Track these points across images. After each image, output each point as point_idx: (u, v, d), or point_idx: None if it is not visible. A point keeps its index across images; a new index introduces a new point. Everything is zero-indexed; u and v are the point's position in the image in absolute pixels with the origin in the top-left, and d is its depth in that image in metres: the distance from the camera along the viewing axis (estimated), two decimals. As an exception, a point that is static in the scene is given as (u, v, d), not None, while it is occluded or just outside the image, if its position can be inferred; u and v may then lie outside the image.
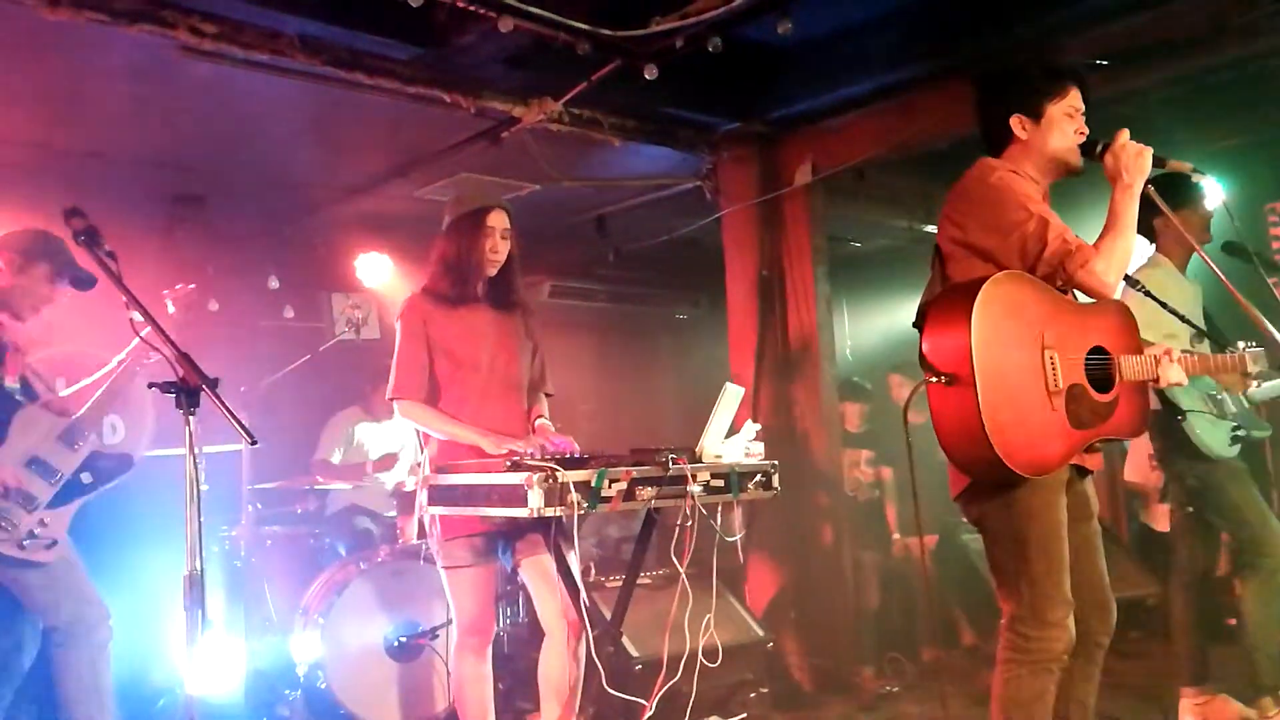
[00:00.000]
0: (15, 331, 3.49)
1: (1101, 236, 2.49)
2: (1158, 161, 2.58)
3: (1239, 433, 3.72)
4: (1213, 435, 3.70)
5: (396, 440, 5.69)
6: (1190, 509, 3.88)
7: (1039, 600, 2.48)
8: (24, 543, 3.30)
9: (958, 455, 2.52)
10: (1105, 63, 2.71)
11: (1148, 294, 3.19)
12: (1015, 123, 2.62)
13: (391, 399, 3.23)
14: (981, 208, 2.56)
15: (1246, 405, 3.83)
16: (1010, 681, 2.50)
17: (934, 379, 2.46)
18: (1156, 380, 2.68)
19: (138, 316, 2.44)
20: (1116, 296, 2.60)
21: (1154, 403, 3.44)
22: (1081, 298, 2.63)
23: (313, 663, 4.24)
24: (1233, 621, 3.81)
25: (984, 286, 2.41)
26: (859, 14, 4.45)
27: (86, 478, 3.49)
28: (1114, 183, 2.53)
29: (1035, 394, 2.46)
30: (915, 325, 2.64)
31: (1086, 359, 2.57)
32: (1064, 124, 2.60)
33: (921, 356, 2.55)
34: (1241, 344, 3.02)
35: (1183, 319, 3.13)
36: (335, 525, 5.39)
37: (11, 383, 3.45)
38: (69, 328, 3.99)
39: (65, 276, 3.49)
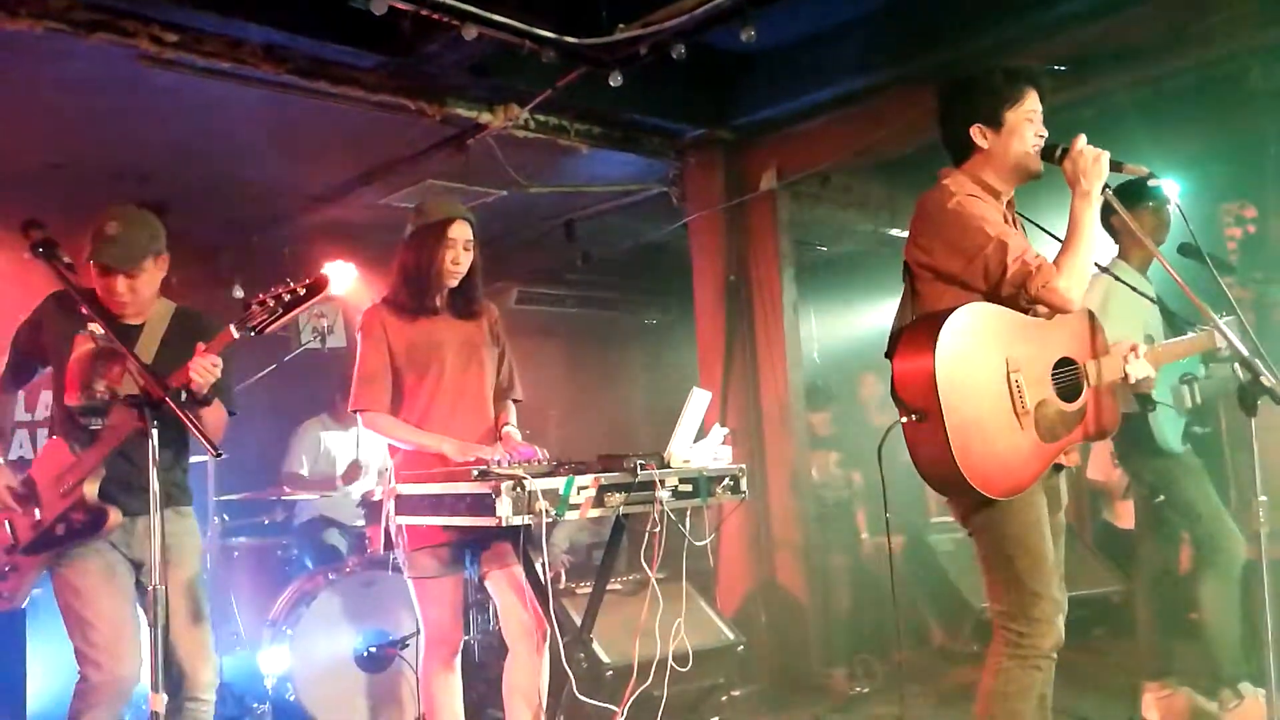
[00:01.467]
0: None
1: (1062, 251, 2.52)
2: (1115, 166, 2.62)
3: (1192, 429, 3.78)
4: (1171, 429, 3.76)
5: (363, 448, 5.66)
6: (1154, 504, 3.94)
7: (1025, 597, 2.52)
8: None
9: (936, 485, 2.58)
10: (1065, 69, 2.75)
11: (1117, 278, 3.23)
12: (976, 132, 2.64)
13: (354, 410, 3.20)
14: (943, 232, 2.60)
15: (1199, 400, 3.88)
16: (998, 675, 2.55)
17: (906, 418, 2.52)
18: (1126, 378, 2.71)
19: (98, 330, 2.40)
20: (1080, 306, 2.62)
21: (1126, 405, 3.49)
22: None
23: (281, 675, 4.21)
24: (1194, 616, 3.86)
25: (944, 325, 2.45)
26: (822, 22, 4.51)
27: (60, 529, 2.94)
28: (1073, 188, 2.57)
29: (1004, 420, 2.50)
30: (887, 355, 2.68)
31: (1053, 373, 2.60)
32: (1023, 129, 2.63)
33: (893, 391, 2.59)
34: (1199, 327, 3.08)
35: (1153, 300, 3.15)
36: (303, 536, 5.35)
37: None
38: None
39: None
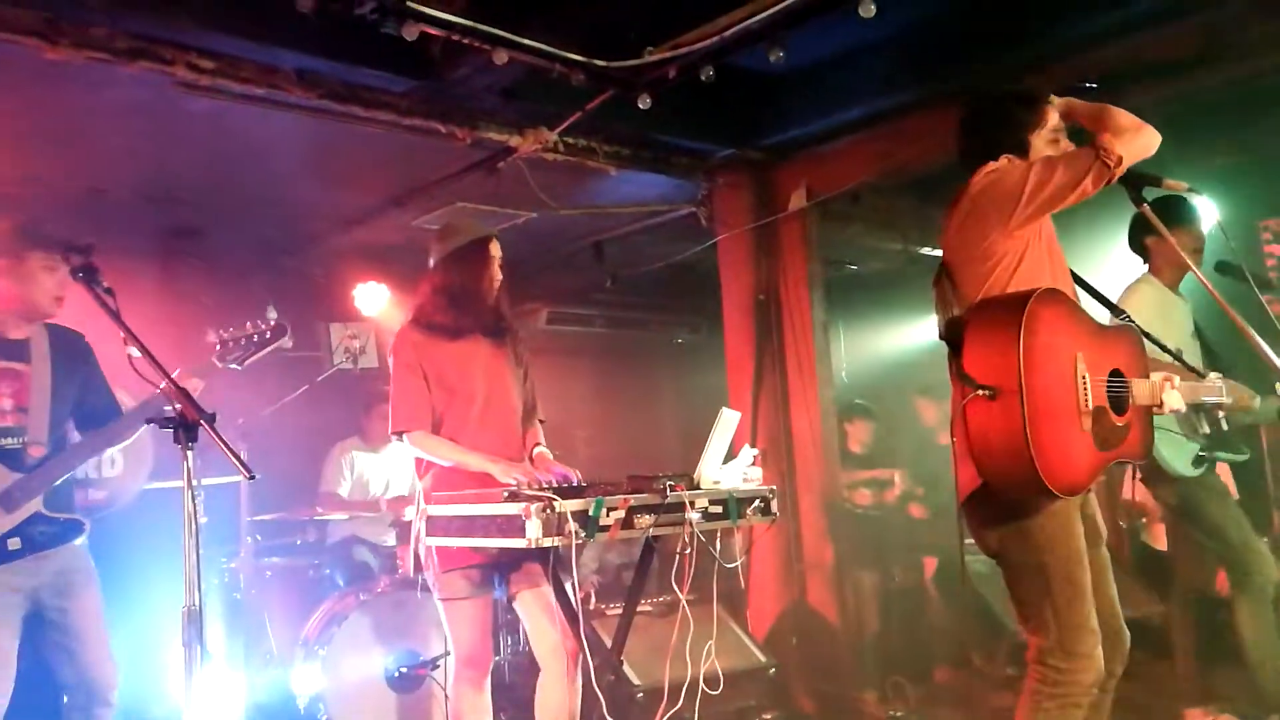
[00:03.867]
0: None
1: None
2: (1154, 180, 2.60)
3: (1204, 454, 3.72)
4: (1176, 455, 3.72)
5: (399, 469, 5.70)
6: (1182, 526, 3.88)
7: (1066, 631, 2.44)
8: None
9: (994, 471, 2.45)
10: (1095, 85, 2.72)
11: (1130, 321, 3.20)
12: (1006, 161, 2.61)
13: (397, 432, 3.21)
14: (987, 193, 2.56)
15: (1225, 427, 3.82)
16: (1037, 714, 2.46)
17: (978, 392, 2.42)
18: (1160, 406, 2.68)
19: (135, 352, 2.44)
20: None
21: None
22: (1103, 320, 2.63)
23: (313, 695, 4.22)
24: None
25: (1029, 303, 2.39)
26: (850, 41, 4.50)
27: (14, 544, 2.97)
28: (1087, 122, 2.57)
29: (1070, 413, 2.45)
30: (943, 338, 2.62)
31: (1108, 381, 2.57)
32: (1050, 151, 2.61)
33: (961, 370, 2.50)
34: (1213, 375, 3.02)
35: (1165, 349, 3.12)
36: (335, 556, 5.37)
37: (22, 420, 3.08)
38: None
39: (56, 254, 3.04)
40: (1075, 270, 2.78)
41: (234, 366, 3.17)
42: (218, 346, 3.19)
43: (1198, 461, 3.72)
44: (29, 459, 3.09)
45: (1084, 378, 2.47)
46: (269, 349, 3.17)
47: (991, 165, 2.62)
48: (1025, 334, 2.37)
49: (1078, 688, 2.43)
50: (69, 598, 3.14)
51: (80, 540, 3.17)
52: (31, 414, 3.11)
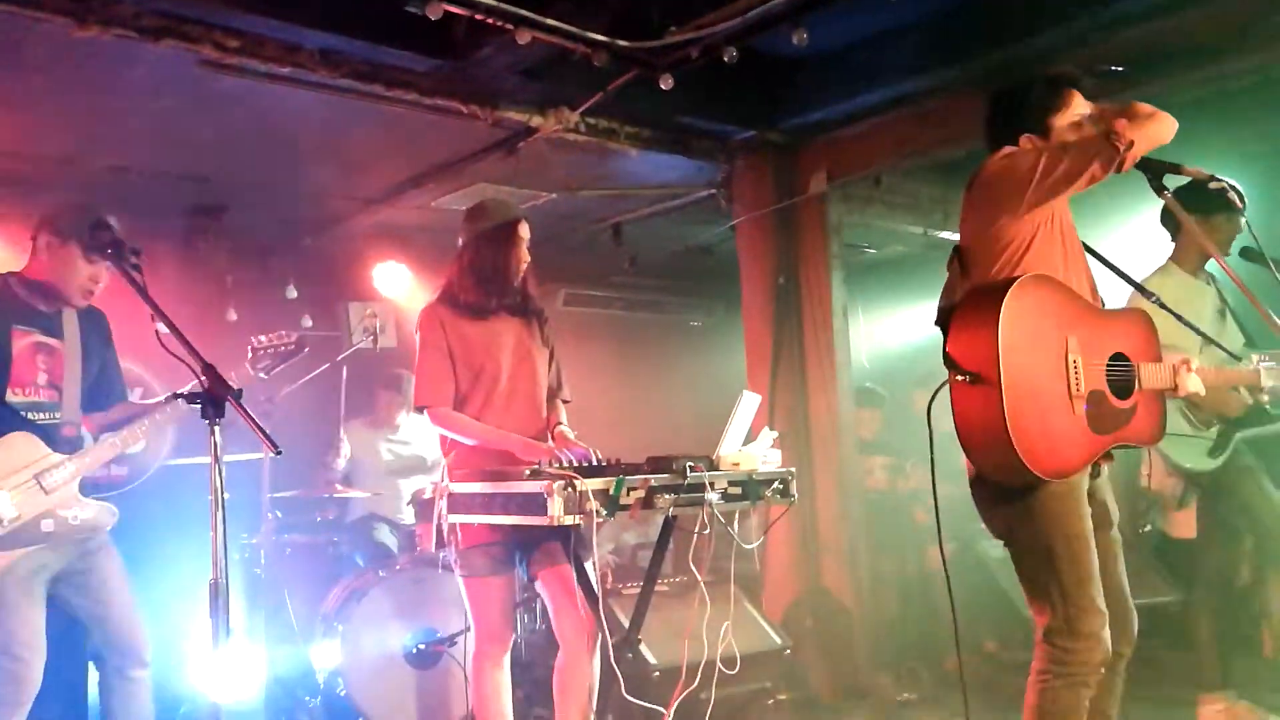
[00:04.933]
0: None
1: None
2: (1175, 168, 2.58)
3: (1221, 442, 3.70)
4: (1186, 454, 3.71)
5: (413, 448, 5.73)
6: (1217, 512, 3.87)
7: (1072, 612, 2.46)
8: None
9: (980, 457, 2.52)
10: (1123, 70, 2.70)
11: (1161, 305, 3.19)
12: (1025, 141, 2.62)
13: (421, 406, 3.23)
14: (996, 178, 2.56)
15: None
16: (1045, 694, 2.48)
17: (959, 377, 2.45)
18: (1175, 390, 2.68)
19: (163, 328, 2.46)
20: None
21: None
22: (1106, 303, 2.63)
23: (332, 670, 4.27)
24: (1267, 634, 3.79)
25: (1011, 288, 2.42)
26: (874, 24, 4.47)
27: (47, 525, 3.03)
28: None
29: (1058, 398, 2.46)
30: (937, 324, 2.64)
31: (1108, 365, 2.57)
32: (1072, 135, 2.60)
33: (946, 355, 2.53)
34: (1255, 356, 3.00)
35: (1198, 332, 3.11)
36: (354, 533, 5.42)
37: (45, 396, 3.11)
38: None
39: (94, 253, 3.05)
40: (1098, 250, 2.76)
41: (261, 376, 3.40)
42: (250, 355, 3.39)
43: (1214, 452, 3.71)
44: (62, 438, 3.13)
45: (1075, 361, 2.48)
46: (291, 361, 3.46)
47: (1008, 149, 2.61)
48: (1006, 319, 2.39)
49: (1085, 668, 2.46)
50: (88, 563, 3.18)
51: (111, 524, 3.22)
52: (65, 392, 3.14)
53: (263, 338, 3.39)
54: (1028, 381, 2.42)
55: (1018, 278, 2.45)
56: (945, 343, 2.55)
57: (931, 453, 2.64)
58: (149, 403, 3.30)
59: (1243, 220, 3.60)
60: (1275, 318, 2.64)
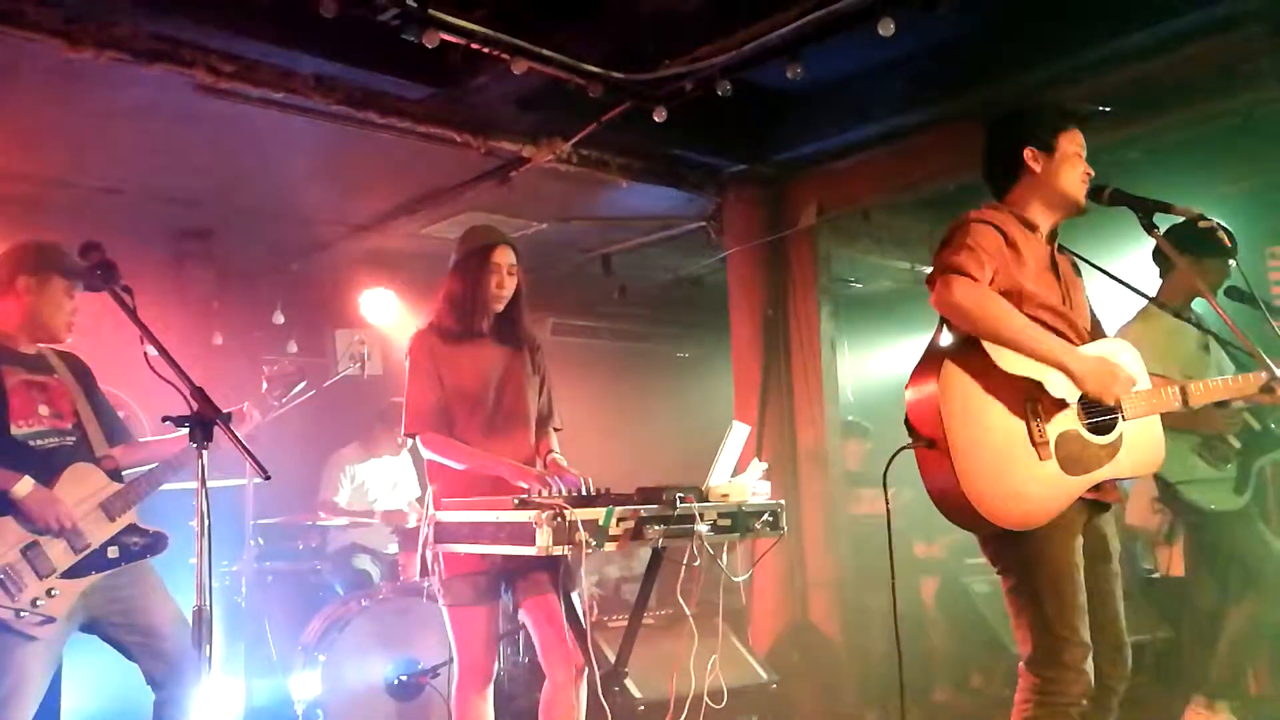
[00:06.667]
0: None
1: (1006, 316, 2.47)
2: (1165, 207, 2.61)
3: (1244, 471, 3.71)
4: (1211, 495, 3.70)
5: (399, 479, 5.69)
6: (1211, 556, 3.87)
7: (1054, 643, 2.46)
8: (21, 612, 2.86)
9: (948, 514, 2.54)
10: (1111, 110, 2.75)
11: (1177, 314, 3.19)
12: (1029, 154, 2.63)
13: (410, 434, 3.21)
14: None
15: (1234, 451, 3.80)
16: None
17: (917, 443, 2.51)
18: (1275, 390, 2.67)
19: (152, 351, 2.43)
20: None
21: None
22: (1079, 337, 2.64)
23: (311, 701, 4.20)
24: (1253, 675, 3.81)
25: (949, 353, 2.46)
26: (866, 60, 4.52)
27: (113, 552, 3.08)
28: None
29: (1018, 450, 2.47)
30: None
31: (1083, 402, 2.55)
32: (1073, 160, 2.63)
33: (905, 419, 2.60)
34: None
35: (1209, 332, 3.12)
36: (335, 564, 5.36)
37: (66, 424, 3.11)
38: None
39: (78, 281, 3.05)
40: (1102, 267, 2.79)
41: (277, 403, 3.51)
42: (265, 384, 3.50)
43: (1239, 488, 3.72)
44: (105, 470, 3.15)
45: (1037, 410, 2.49)
46: (297, 390, 3.57)
47: (984, 214, 2.62)
48: (946, 383, 2.45)
49: (1064, 698, 2.46)
50: (124, 598, 3.13)
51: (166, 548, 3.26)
52: (86, 426, 3.15)
53: (274, 367, 3.50)
54: (979, 438, 2.45)
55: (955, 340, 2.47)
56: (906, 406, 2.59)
57: (889, 521, 2.68)
58: (164, 439, 3.27)
59: (1232, 262, 3.63)
60: (1265, 356, 2.65)
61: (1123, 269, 2.94)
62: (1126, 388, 2.55)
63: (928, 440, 2.48)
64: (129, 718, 3.42)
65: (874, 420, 6.51)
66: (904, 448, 2.55)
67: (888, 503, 2.69)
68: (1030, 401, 2.49)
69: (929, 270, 2.65)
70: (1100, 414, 2.57)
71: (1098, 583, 2.58)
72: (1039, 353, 2.49)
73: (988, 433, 2.47)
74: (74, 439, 3.12)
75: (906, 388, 2.60)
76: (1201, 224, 2.71)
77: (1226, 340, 3.33)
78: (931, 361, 2.52)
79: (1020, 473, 2.47)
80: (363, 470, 5.64)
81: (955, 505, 2.46)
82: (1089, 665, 2.47)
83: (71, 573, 2.99)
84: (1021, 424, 2.49)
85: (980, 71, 4.25)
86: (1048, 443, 2.49)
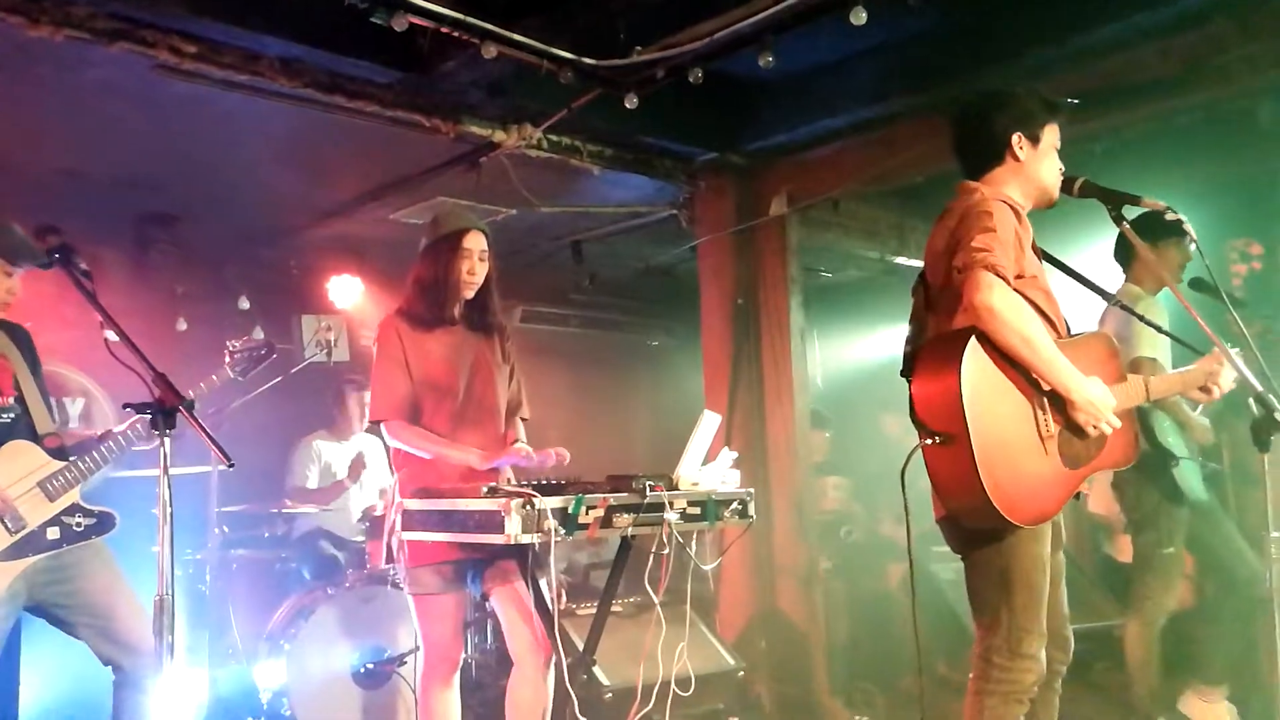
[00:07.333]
0: None
1: (1025, 328, 2.42)
2: (1134, 199, 2.64)
3: (1208, 467, 3.79)
4: (1192, 481, 3.77)
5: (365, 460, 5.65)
6: (1161, 552, 3.92)
7: (1016, 632, 2.49)
8: None
9: (958, 511, 2.48)
10: (1078, 102, 2.76)
11: (1143, 319, 3.23)
12: (1017, 140, 2.62)
13: (375, 421, 3.19)
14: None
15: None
16: (983, 712, 2.52)
17: (928, 440, 2.42)
18: (1210, 390, 2.73)
19: (113, 336, 2.40)
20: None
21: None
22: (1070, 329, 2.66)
23: (277, 690, 4.17)
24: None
25: (969, 342, 2.38)
26: (838, 50, 4.53)
27: (53, 533, 3.01)
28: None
29: (1029, 443, 2.45)
30: (903, 375, 2.63)
31: None
32: (1052, 154, 2.66)
33: (913, 415, 2.51)
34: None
35: (1173, 338, 3.17)
36: (301, 549, 5.31)
37: (6, 399, 3.03)
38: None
39: (21, 260, 3.01)
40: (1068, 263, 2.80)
41: (239, 379, 3.48)
42: (228, 358, 3.46)
43: (1207, 484, 3.80)
44: (48, 448, 3.07)
45: (1042, 402, 2.47)
46: (264, 364, 3.54)
47: (986, 194, 2.58)
48: (968, 374, 2.35)
49: (1018, 686, 2.50)
50: (68, 579, 3.07)
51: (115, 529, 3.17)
52: (30, 404, 3.06)
53: (235, 342, 3.45)
54: (996, 434, 2.38)
55: (973, 328, 2.40)
56: (910, 400, 2.52)
57: (908, 517, 2.57)
58: (116, 429, 3.19)
59: (1193, 249, 3.68)
60: (1226, 346, 2.69)
61: (1081, 263, 2.97)
62: (1107, 420, 2.52)
63: (942, 436, 2.38)
64: (89, 705, 3.37)
65: (837, 410, 6.55)
66: (919, 446, 2.44)
67: (905, 503, 2.54)
68: (1036, 395, 2.48)
69: (898, 260, 2.65)
70: None
71: (1053, 572, 2.61)
72: (1051, 380, 2.44)
73: (1003, 426, 2.41)
74: (12, 415, 3.04)
75: (914, 380, 2.51)
76: (1169, 216, 2.75)
77: (1175, 337, 3.38)
78: (946, 352, 2.42)
79: (1033, 467, 2.45)
80: (328, 453, 5.60)
81: (973, 503, 2.36)
82: (1043, 655, 2.52)
83: (7, 554, 2.92)
84: (1030, 418, 2.47)
85: (950, 64, 4.26)
86: (1054, 436, 2.49)
